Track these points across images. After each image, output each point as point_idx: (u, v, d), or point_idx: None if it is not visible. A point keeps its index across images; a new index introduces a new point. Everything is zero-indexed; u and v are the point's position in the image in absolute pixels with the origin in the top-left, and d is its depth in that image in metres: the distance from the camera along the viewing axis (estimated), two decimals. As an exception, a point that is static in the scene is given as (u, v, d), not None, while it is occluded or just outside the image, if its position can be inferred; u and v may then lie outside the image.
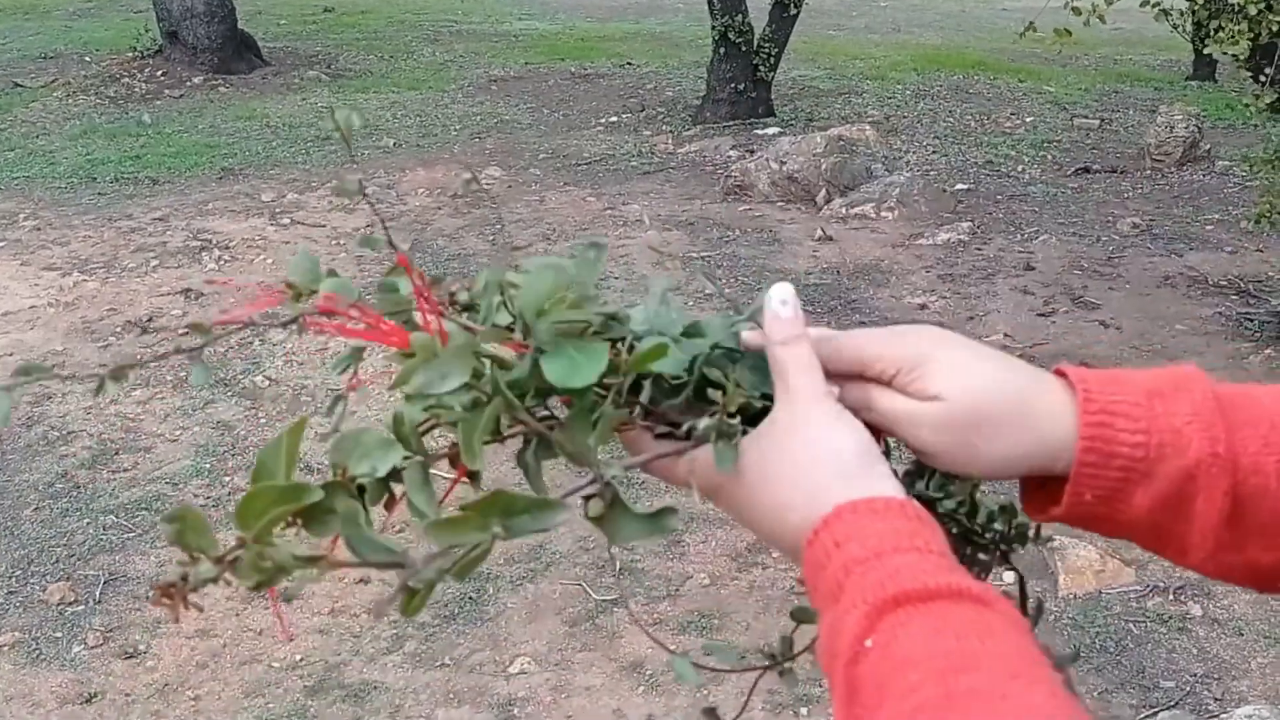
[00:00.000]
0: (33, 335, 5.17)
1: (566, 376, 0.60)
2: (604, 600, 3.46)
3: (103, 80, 9.72)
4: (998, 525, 0.74)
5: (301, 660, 3.26)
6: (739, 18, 8.52)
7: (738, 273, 5.85)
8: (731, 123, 8.54)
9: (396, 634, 3.35)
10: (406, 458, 0.62)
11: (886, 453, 0.69)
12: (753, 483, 0.63)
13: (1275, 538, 0.62)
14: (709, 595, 3.47)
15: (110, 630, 3.39)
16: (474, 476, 0.62)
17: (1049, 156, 8.03)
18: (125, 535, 3.83)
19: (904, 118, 8.81)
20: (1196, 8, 5.42)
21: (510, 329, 0.63)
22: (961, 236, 6.35)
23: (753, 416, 0.65)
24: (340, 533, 0.58)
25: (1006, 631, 0.53)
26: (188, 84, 9.72)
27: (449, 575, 0.55)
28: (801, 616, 0.71)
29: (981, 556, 0.74)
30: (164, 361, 4.82)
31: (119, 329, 5.24)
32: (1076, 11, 5.30)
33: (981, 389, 0.63)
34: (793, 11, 8.65)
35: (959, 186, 7.26)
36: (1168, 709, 2.99)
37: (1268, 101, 4.83)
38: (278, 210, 6.77)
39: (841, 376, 0.66)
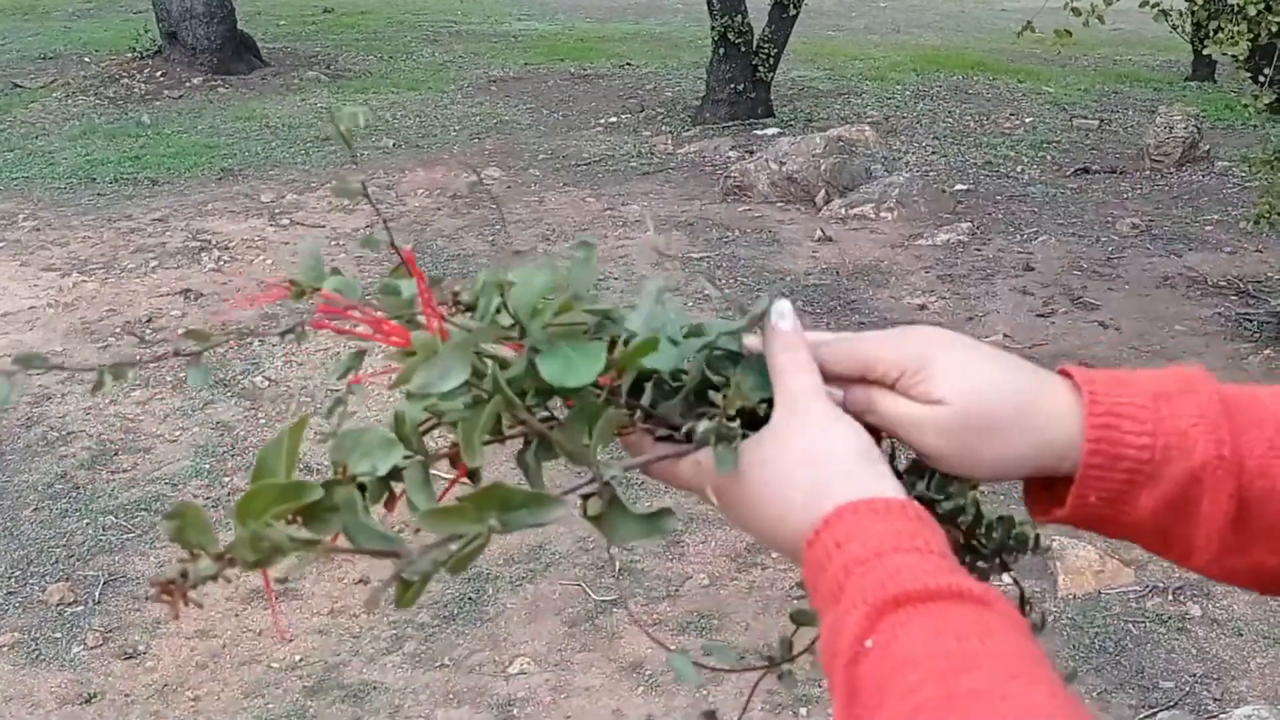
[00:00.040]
0: (32, 336, 5.17)
1: (562, 376, 0.60)
2: (603, 601, 3.46)
3: (102, 81, 9.72)
4: (996, 534, 0.74)
5: (301, 661, 3.26)
6: (738, 18, 8.52)
7: (737, 273, 5.86)
8: (731, 123, 8.55)
9: (396, 634, 3.35)
10: (407, 457, 0.62)
11: (892, 457, 0.69)
12: (753, 485, 0.63)
13: None
14: (708, 596, 3.47)
15: (110, 631, 3.39)
16: (474, 476, 0.63)
17: (1048, 157, 8.04)
18: (125, 536, 3.83)
19: (903, 118, 8.82)
20: (1196, 8, 5.42)
21: (511, 329, 0.63)
22: (961, 237, 6.35)
23: (754, 421, 0.65)
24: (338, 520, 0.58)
25: (1006, 632, 0.53)
26: (187, 85, 9.72)
27: (444, 567, 0.55)
28: (801, 619, 0.71)
29: (980, 565, 0.74)
30: (163, 362, 4.81)
31: (118, 329, 5.24)
32: (1076, 12, 5.30)
33: (984, 392, 0.63)
34: (792, 12, 8.66)
35: (958, 187, 7.26)
36: (1167, 709, 2.99)
37: (1266, 102, 4.83)
38: (277, 211, 6.77)
39: (844, 380, 0.66)
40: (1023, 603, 0.72)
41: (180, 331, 5.28)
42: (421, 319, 0.65)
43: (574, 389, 0.61)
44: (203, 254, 6.07)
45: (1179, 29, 8.93)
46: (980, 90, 9.77)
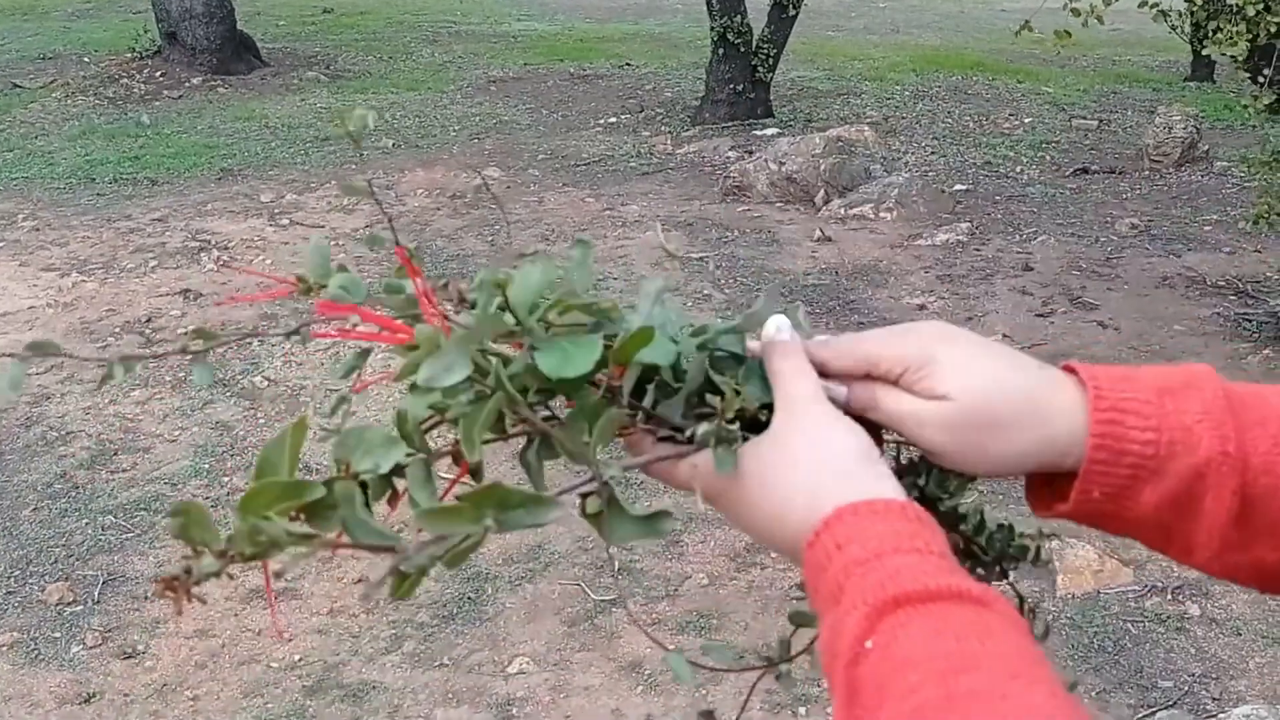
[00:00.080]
0: (31, 336, 5.17)
1: (559, 367, 0.60)
2: (602, 600, 3.46)
3: (101, 81, 9.72)
4: (998, 541, 0.74)
5: (300, 660, 3.26)
6: (737, 19, 8.53)
7: (736, 273, 5.86)
8: (730, 123, 8.55)
9: (395, 634, 3.35)
10: (409, 454, 0.63)
11: (896, 459, 0.69)
12: (752, 486, 0.63)
13: None
14: (707, 595, 3.47)
15: (109, 630, 3.39)
16: (476, 475, 0.63)
17: (1047, 157, 8.04)
18: (124, 535, 3.83)
19: (902, 118, 8.82)
20: (1195, 9, 5.43)
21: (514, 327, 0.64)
22: (960, 237, 6.36)
23: (755, 426, 0.66)
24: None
25: (1006, 632, 0.53)
26: (186, 85, 9.72)
27: (440, 562, 0.56)
28: (800, 620, 0.71)
29: (979, 572, 0.74)
30: (163, 362, 4.82)
31: (118, 329, 5.24)
32: (1075, 13, 5.31)
33: (988, 388, 0.63)
34: (791, 12, 8.66)
35: (957, 187, 7.26)
36: (1166, 709, 3.00)
37: (1266, 103, 4.83)
38: (276, 211, 6.77)
39: (848, 377, 0.66)
40: (1021, 608, 0.72)
41: (182, 331, 5.27)
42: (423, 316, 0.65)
43: (571, 381, 0.61)
44: (202, 254, 6.07)
45: (1178, 29, 8.94)
46: (979, 90, 9.78)
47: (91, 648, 3.32)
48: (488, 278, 0.64)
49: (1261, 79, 4.97)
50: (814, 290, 5.64)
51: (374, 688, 3.15)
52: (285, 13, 13.01)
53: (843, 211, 6.69)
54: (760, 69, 8.66)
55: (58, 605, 3.50)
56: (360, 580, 3.54)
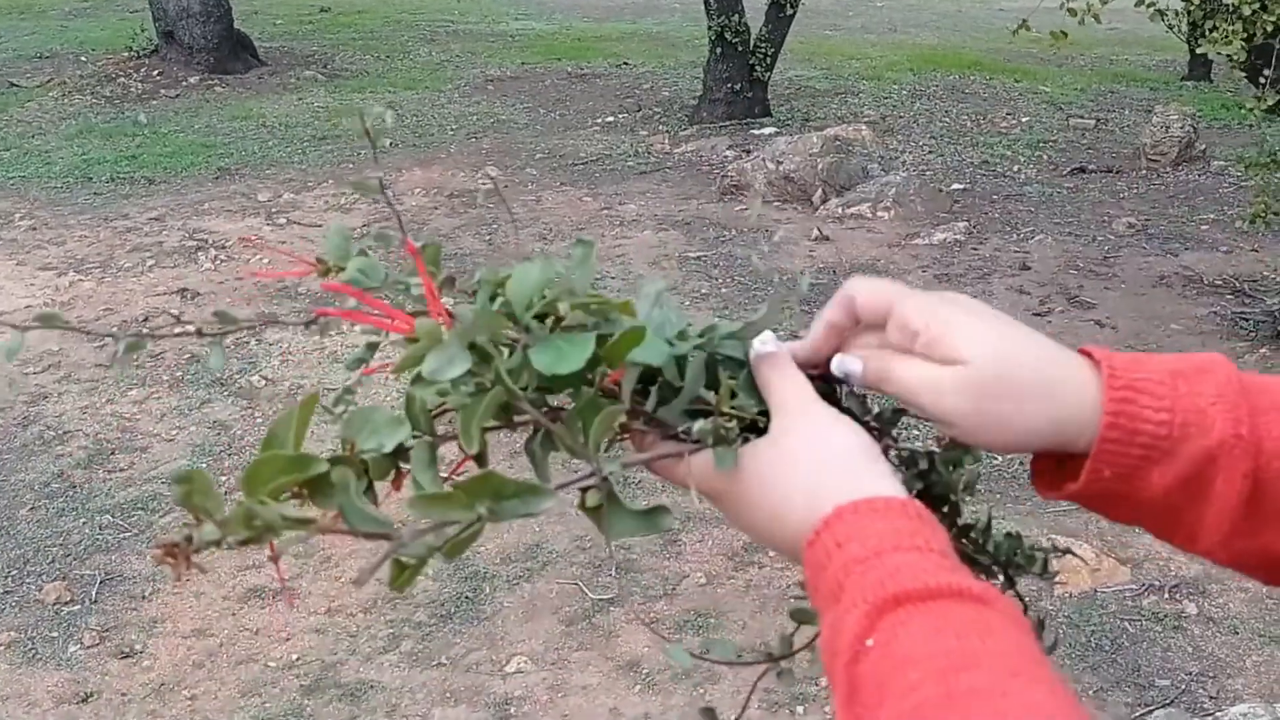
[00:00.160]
0: (29, 335, 5.15)
1: (553, 364, 0.61)
2: (600, 599, 3.46)
3: (99, 80, 9.71)
4: (1004, 549, 0.74)
5: (298, 660, 3.26)
6: (735, 18, 8.53)
7: (734, 272, 5.86)
8: (728, 123, 8.55)
9: (393, 633, 3.35)
10: (415, 436, 0.63)
11: (900, 452, 0.69)
12: (752, 486, 0.63)
13: None
14: (705, 594, 3.47)
15: (106, 630, 3.39)
16: (481, 462, 0.63)
17: (1045, 156, 8.05)
18: (121, 535, 3.82)
19: (900, 118, 8.82)
20: (1192, 8, 5.43)
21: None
22: (957, 236, 6.36)
23: (756, 429, 0.66)
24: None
25: (1007, 630, 0.53)
26: (184, 84, 9.71)
27: (439, 553, 0.56)
28: (801, 617, 0.71)
29: (983, 579, 0.74)
30: (160, 361, 4.82)
31: (115, 329, 5.23)
32: (1072, 12, 5.31)
33: (1007, 355, 0.62)
34: (789, 11, 8.66)
35: (955, 186, 7.26)
36: (1163, 707, 3.00)
37: (1269, 104, 4.84)
38: (274, 210, 6.77)
39: (871, 326, 0.66)
40: (1027, 616, 0.73)
41: (180, 331, 5.29)
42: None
43: (564, 378, 0.62)
44: (199, 253, 6.06)
45: (1175, 28, 8.95)
46: (977, 90, 9.78)
47: (89, 647, 3.31)
48: (487, 275, 0.65)
49: (1262, 80, 4.97)
50: (812, 290, 5.62)
51: (372, 687, 3.15)
52: (282, 12, 13.00)
53: (840, 211, 6.69)
54: (758, 68, 8.66)
55: (55, 605, 3.49)
56: (358, 580, 3.54)
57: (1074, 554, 3.49)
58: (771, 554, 3.61)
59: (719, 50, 8.62)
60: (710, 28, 8.65)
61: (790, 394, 0.65)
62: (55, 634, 3.38)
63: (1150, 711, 2.99)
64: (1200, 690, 3.07)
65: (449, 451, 0.65)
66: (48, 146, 8.15)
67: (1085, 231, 6.57)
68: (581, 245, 0.66)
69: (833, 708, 0.55)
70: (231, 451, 4.29)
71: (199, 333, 0.68)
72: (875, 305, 0.66)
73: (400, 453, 0.63)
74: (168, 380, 4.71)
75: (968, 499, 0.72)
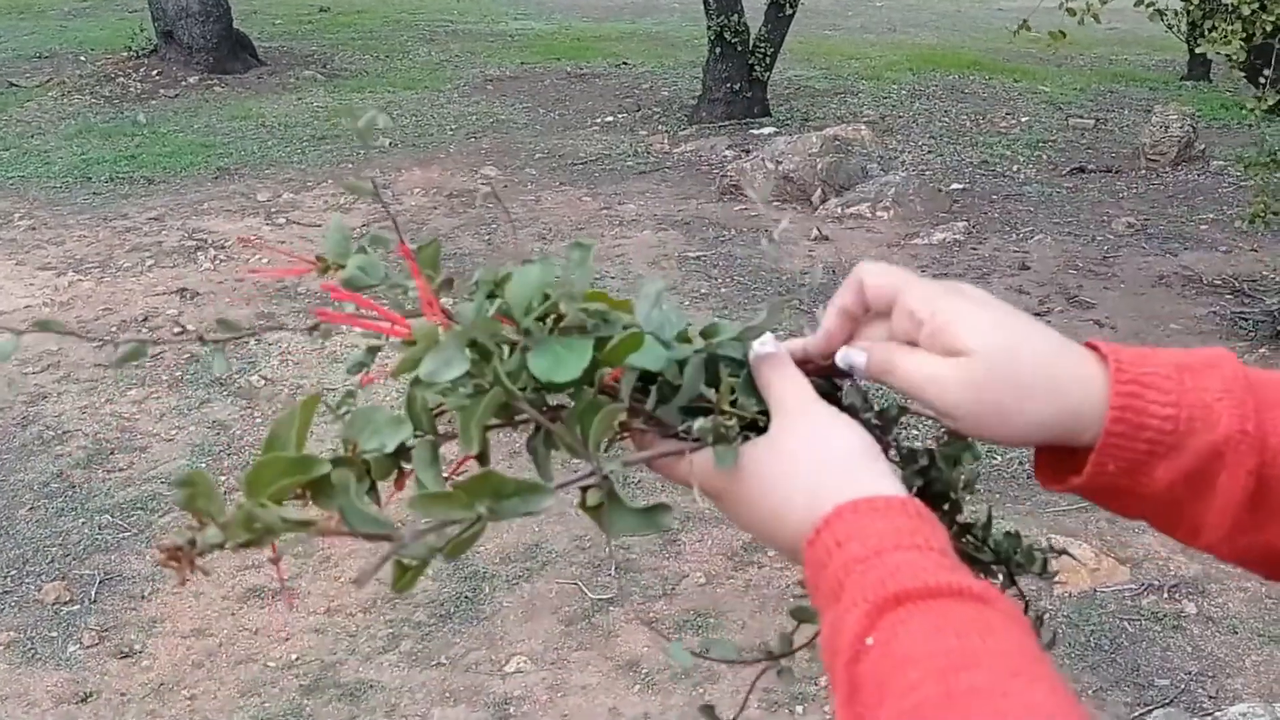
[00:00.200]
0: (27, 335, 5.15)
1: (550, 371, 0.61)
2: (600, 599, 3.46)
3: (98, 80, 9.70)
4: (1004, 547, 0.74)
5: (297, 659, 3.26)
6: (734, 17, 8.53)
7: (733, 272, 5.86)
8: (727, 122, 8.55)
9: (392, 633, 3.35)
10: (416, 436, 0.63)
11: (900, 451, 0.69)
12: (752, 485, 0.63)
13: None
14: (705, 594, 3.47)
15: (106, 630, 3.39)
16: (484, 461, 0.63)
17: (1044, 156, 8.05)
18: (120, 535, 3.82)
19: (899, 117, 8.82)
20: (1191, 7, 5.43)
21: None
22: (957, 236, 6.36)
23: (756, 429, 0.66)
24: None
25: (1007, 629, 0.53)
26: (183, 84, 9.71)
27: (440, 553, 0.56)
28: (801, 615, 0.72)
29: (982, 578, 0.74)
30: (159, 361, 4.81)
31: (114, 329, 5.23)
32: (1071, 12, 5.31)
33: (1011, 346, 0.62)
34: (788, 11, 8.66)
35: (954, 186, 7.27)
36: (1162, 707, 3.00)
37: (1269, 104, 4.84)
38: (273, 210, 6.77)
39: (876, 313, 0.66)
40: (1027, 614, 0.73)
41: (178, 331, 5.26)
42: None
43: (561, 385, 0.62)
44: (199, 253, 6.06)
45: (1174, 28, 8.95)
46: (976, 90, 9.78)
47: (88, 647, 3.31)
48: (485, 276, 0.65)
49: (1262, 80, 4.98)
50: (811, 290, 5.64)
51: (371, 687, 3.15)
52: (282, 11, 13.00)
53: (840, 211, 6.69)
54: (757, 68, 8.66)
55: (54, 605, 3.49)
56: (358, 580, 3.53)
57: (1070, 555, 3.49)
58: (771, 554, 3.61)
59: (718, 50, 8.62)
60: (709, 27, 8.65)
61: (790, 394, 0.65)
62: (54, 634, 3.38)
63: (1149, 711, 2.99)
64: (1199, 690, 3.07)
65: (451, 451, 0.65)
66: (47, 146, 8.15)
67: (1084, 231, 6.57)
68: (579, 247, 0.66)
69: (833, 707, 0.55)
70: (231, 451, 4.28)
71: (200, 339, 0.68)
72: (882, 291, 0.65)
73: (402, 452, 0.63)
74: (167, 380, 4.71)
75: (967, 497, 0.73)
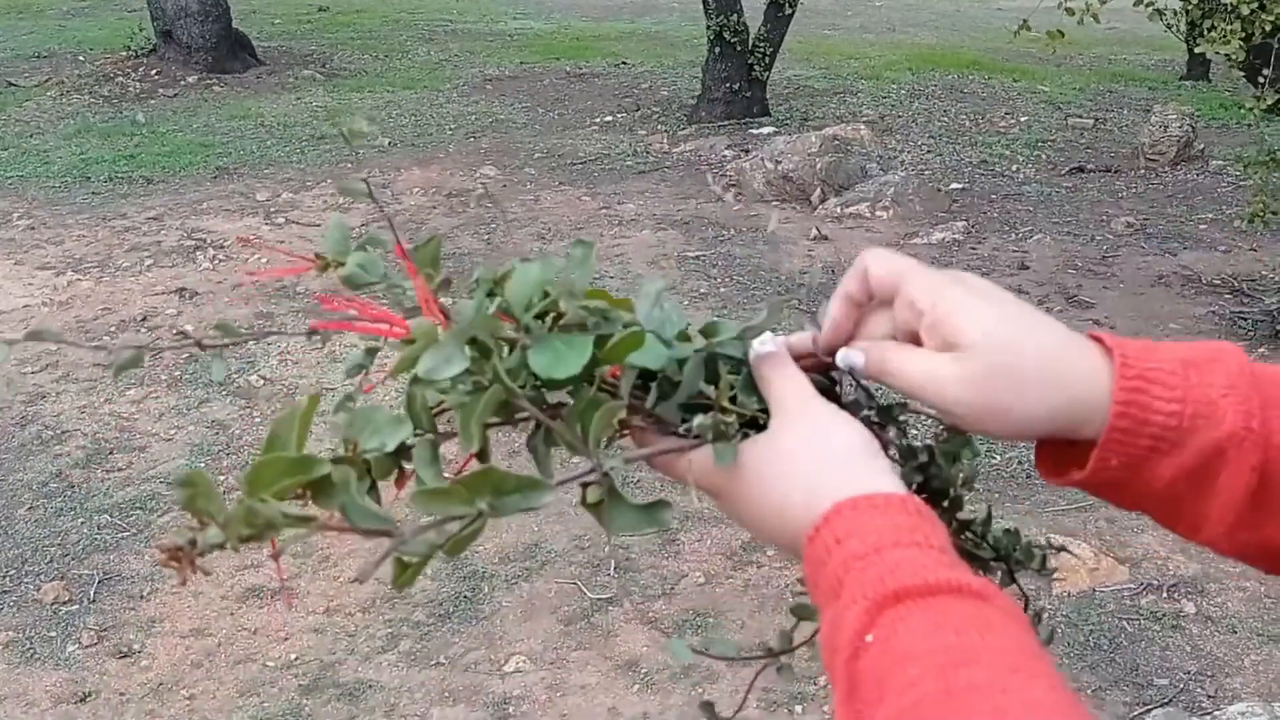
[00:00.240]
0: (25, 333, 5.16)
1: (550, 368, 0.61)
2: (599, 599, 3.46)
3: (97, 79, 9.70)
4: (1003, 544, 0.74)
5: (296, 659, 3.26)
6: (734, 17, 8.52)
7: (733, 272, 5.86)
8: (726, 122, 8.55)
9: (391, 633, 3.35)
10: (417, 434, 0.63)
11: (899, 448, 0.69)
12: (752, 482, 0.63)
13: None
14: (704, 594, 3.47)
15: (105, 629, 3.38)
16: (483, 459, 0.63)
17: (1043, 156, 8.05)
18: (119, 535, 3.82)
19: (899, 117, 8.83)
20: (1190, 7, 5.43)
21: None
22: (956, 236, 6.36)
23: (756, 427, 0.66)
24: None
25: (1006, 626, 0.53)
26: (182, 83, 9.71)
27: (441, 550, 0.56)
28: (802, 613, 0.72)
29: (981, 575, 0.74)
30: (158, 360, 4.81)
31: (113, 328, 5.23)
32: (1070, 11, 5.31)
33: (1011, 340, 0.61)
34: (787, 11, 8.66)
35: (954, 186, 7.27)
36: (1161, 706, 3.00)
37: (1268, 104, 4.84)
38: (272, 210, 6.77)
39: (880, 299, 0.65)
40: (1026, 610, 0.73)
41: (177, 331, 5.25)
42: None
43: (561, 381, 0.62)
44: (198, 253, 6.06)
45: (1174, 28, 8.95)
46: (975, 89, 9.78)
47: (87, 647, 3.31)
48: (485, 274, 0.65)
49: (1262, 79, 4.98)
50: (810, 290, 5.64)
51: (370, 686, 3.15)
52: (281, 11, 12.99)
53: (839, 210, 6.69)
54: (756, 68, 8.66)
55: (53, 604, 3.49)
56: (357, 580, 3.53)
57: (1069, 552, 3.50)
58: (770, 553, 3.61)
59: (718, 50, 8.62)
60: (709, 27, 8.65)
61: (790, 392, 0.65)
62: (53, 634, 3.38)
63: (1149, 710, 2.99)
64: (1198, 689, 3.08)
65: (451, 450, 0.65)
66: (46, 146, 8.15)
67: (1084, 231, 6.57)
68: (581, 245, 0.67)
69: (832, 705, 0.55)
70: (230, 451, 4.28)
71: (199, 345, 0.68)
72: (886, 280, 0.65)
73: (402, 451, 0.63)
74: (166, 380, 4.71)
75: (966, 493, 0.73)
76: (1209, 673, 3.13)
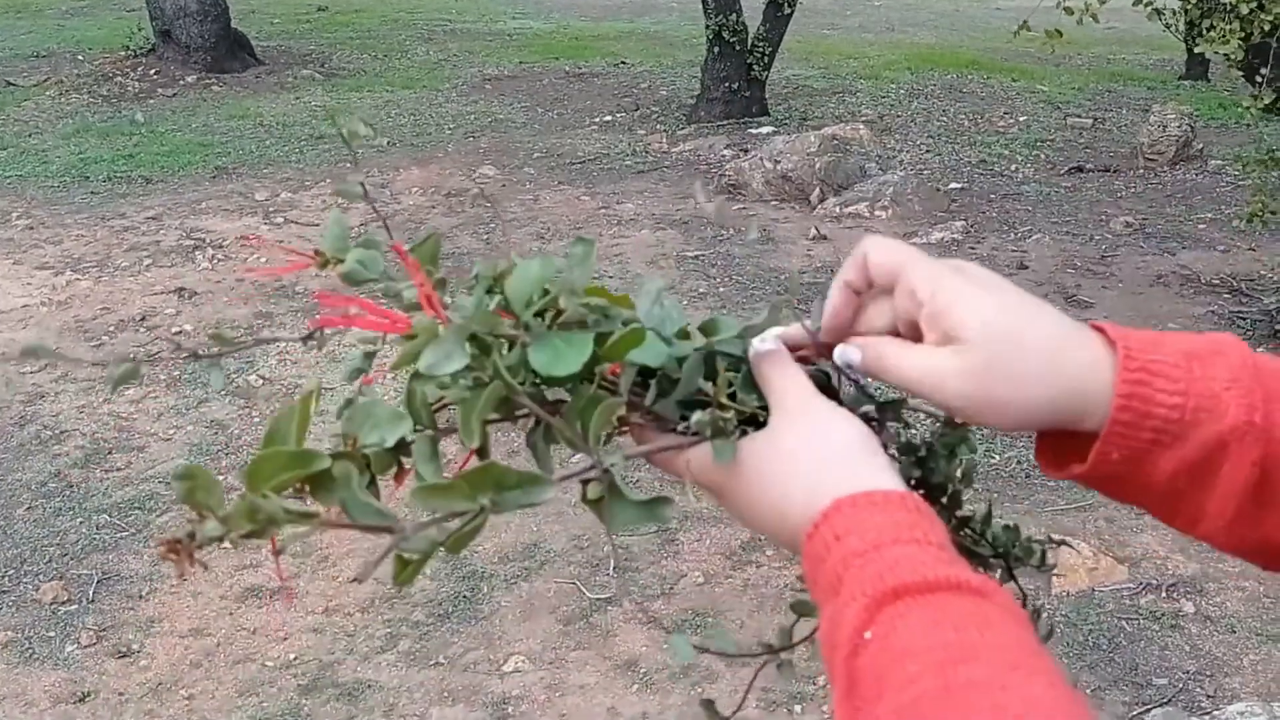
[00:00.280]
0: (25, 334, 5.16)
1: (550, 365, 0.61)
2: (598, 599, 3.46)
3: (96, 79, 9.70)
4: (1003, 540, 0.74)
5: (295, 659, 3.25)
6: (733, 17, 8.52)
7: (732, 272, 5.86)
8: (725, 122, 8.55)
9: (390, 633, 3.35)
10: (416, 430, 0.63)
11: (898, 444, 0.69)
12: (752, 480, 0.63)
13: None
14: (703, 593, 3.47)
15: (103, 629, 3.38)
16: (483, 456, 0.63)
17: (1042, 156, 8.05)
18: (118, 534, 3.82)
19: (898, 117, 8.83)
20: (1189, 7, 5.44)
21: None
22: (955, 236, 6.36)
23: (756, 424, 0.66)
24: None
25: (1005, 623, 0.53)
26: (181, 83, 9.71)
27: (442, 546, 0.56)
28: (802, 609, 0.72)
29: (981, 572, 0.74)
30: (158, 360, 4.81)
31: (112, 328, 5.23)
32: (1069, 11, 5.31)
33: (1011, 331, 0.60)
34: (786, 11, 8.66)
35: (953, 186, 7.27)
36: (1160, 706, 3.00)
37: (1266, 102, 4.84)
38: (271, 209, 6.76)
39: (876, 313, 0.65)
40: (1025, 607, 0.73)
41: (177, 330, 5.24)
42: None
43: (561, 379, 0.62)
44: (196, 252, 6.06)
45: (1172, 28, 8.96)
46: (974, 89, 9.79)
47: (86, 647, 3.31)
48: (485, 271, 0.65)
49: (1259, 78, 4.98)
50: (809, 289, 5.64)
51: (369, 686, 3.15)
52: (280, 10, 12.99)
53: (838, 210, 6.69)
54: (755, 67, 8.66)
55: (52, 604, 3.49)
56: (356, 580, 3.53)
57: (1070, 545, 3.49)
58: (769, 553, 3.61)
59: (716, 49, 8.62)
60: (708, 27, 8.64)
61: (790, 390, 0.64)
62: (52, 634, 3.37)
63: (1148, 710, 2.99)
64: (1198, 689, 3.08)
65: (452, 449, 0.65)
66: (45, 145, 8.14)
67: (1083, 231, 6.57)
68: (581, 243, 0.67)
69: (831, 704, 0.55)
70: (229, 451, 4.28)
71: (195, 355, 0.68)
72: (886, 268, 0.64)
73: (402, 447, 0.63)
74: (165, 380, 4.71)
75: (965, 489, 0.73)
76: (1208, 672, 3.13)
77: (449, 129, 8.53)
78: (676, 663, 3.14)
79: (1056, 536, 0.74)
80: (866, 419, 0.67)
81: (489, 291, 0.64)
